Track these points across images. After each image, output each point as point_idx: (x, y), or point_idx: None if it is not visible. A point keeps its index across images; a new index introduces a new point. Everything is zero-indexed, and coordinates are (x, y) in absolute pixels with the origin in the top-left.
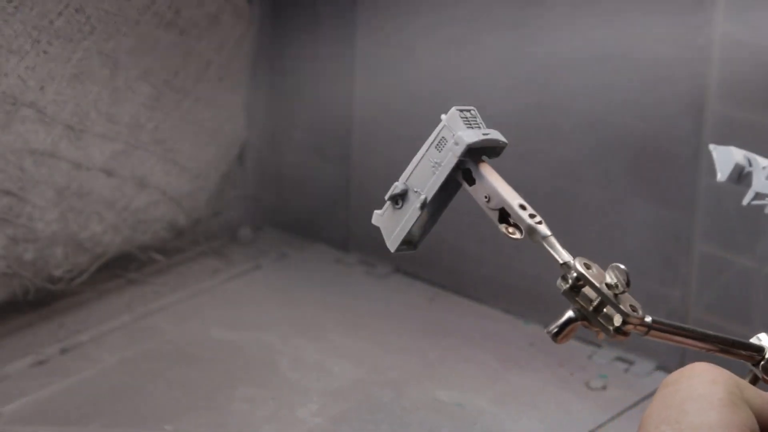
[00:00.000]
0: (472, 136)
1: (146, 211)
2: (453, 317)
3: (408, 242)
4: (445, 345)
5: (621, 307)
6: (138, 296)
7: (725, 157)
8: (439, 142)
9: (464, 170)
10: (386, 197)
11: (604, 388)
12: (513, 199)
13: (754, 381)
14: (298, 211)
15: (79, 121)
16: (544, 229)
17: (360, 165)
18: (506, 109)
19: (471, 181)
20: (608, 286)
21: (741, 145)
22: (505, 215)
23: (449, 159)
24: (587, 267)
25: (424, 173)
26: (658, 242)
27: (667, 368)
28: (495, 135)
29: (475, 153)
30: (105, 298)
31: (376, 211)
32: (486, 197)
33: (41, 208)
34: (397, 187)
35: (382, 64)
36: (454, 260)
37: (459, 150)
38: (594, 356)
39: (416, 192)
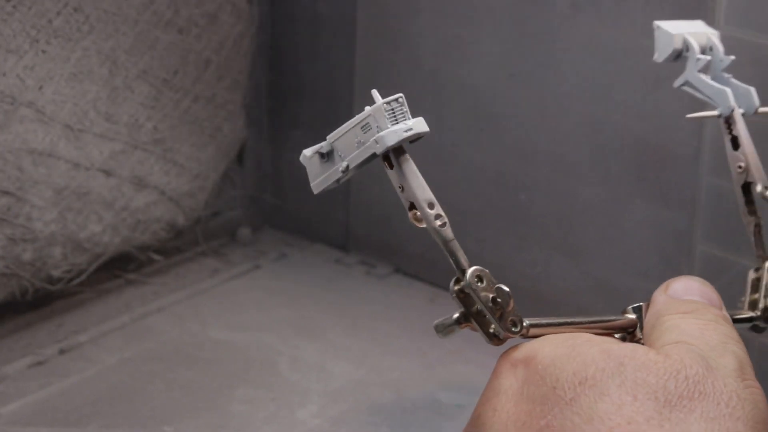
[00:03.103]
0: (393, 137)
1: (145, 211)
2: None
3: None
4: (446, 346)
5: (499, 325)
6: (137, 296)
7: (666, 40)
8: (364, 125)
9: (384, 155)
10: (311, 150)
11: None
12: (423, 196)
13: None
14: (298, 211)
15: (77, 120)
16: (446, 232)
17: None
18: (506, 109)
19: (390, 166)
20: (494, 301)
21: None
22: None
23: (370, 146)
24: (479, 279)
25: (349, 143)
26: (658, 242)
27: None
28: (418, 127)
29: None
30: (104, 298)
31: (305, 151)
32: (400, 186)
33: (40, 208)
34: (323, 147)
35: (382, 64)
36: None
37: (380, 149)
38: None
39: (340, 156)
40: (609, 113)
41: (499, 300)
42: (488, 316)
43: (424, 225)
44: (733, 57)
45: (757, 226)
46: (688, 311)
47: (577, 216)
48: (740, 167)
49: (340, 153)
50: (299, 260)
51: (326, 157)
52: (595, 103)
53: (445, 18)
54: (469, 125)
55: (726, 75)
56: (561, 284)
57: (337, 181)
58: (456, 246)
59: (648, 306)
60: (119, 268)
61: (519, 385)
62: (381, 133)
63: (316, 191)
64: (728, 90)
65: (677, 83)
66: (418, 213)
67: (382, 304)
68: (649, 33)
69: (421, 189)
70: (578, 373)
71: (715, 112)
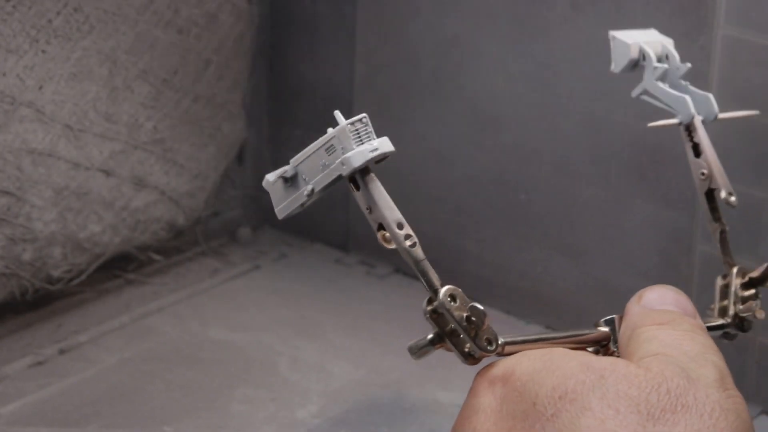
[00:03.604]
0: (359, 158)
1: (145, 211)
2: None
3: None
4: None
5: (475, 342)
6: (137, 296)
7: (622, 50)
8: (329, 147)
9: (351, 177)
10: (275, 175)
11: None
12: (391, 216)
13: None
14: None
15: (77, 120)
16: (417, 252)
17: None
18: (506, 109)
19: (357, 187)
20: (468, 320)
21: (742, 146)
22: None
23: (336, 168)
24: (452, 299)
25: (313, 166)
26: (658, 242)
27: None
28: (383, 147)
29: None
30: (104, 298)
31: (268, 176)
32: (368, 208)
33: (39, 208)
34: (287, 171)
35: (382, 64)
36: (454, 260)
37: (346, 171)
38: None
39: (305, 180)
40: (609, 113)
41: (473, 319)
42: (463, 335)
43: (393, 246)
44: (689, 65)
45: (723, 232)
46: (664, 322)
47: (577, 216)
48: (703, 174)
49: (304, 177)
50: (299, 260)
51: (290, 181)
52: (595, 103)
53: (445, 18)
54: (469, 125)
55: (683, 82)
56: (561, 284)
57: (302, 205)
58: (427, 266)
59: (621, 318)
60: (119, 268)
61: (498, 403)
62: (347, 155)
63: (280, 216)
64: (687, 97)
65: (635, 93)
66: (387, 234)
67: (382, 304)
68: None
69: (389, 209)
70: (558, 388)
71: (675, 120)
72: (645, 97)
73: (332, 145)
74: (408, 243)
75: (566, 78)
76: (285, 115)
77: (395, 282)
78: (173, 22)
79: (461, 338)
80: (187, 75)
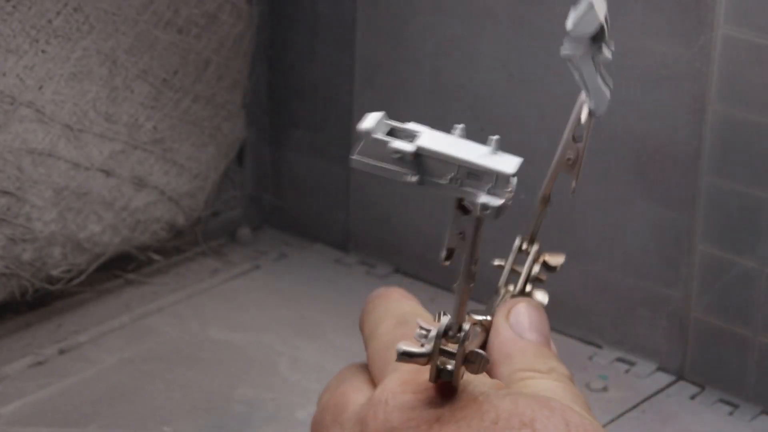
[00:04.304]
0: (499, 206)
1: (145, 211)
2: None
3: None
4: None
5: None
6: (137, 296)
7: (590, 18)
8: (473, 174)
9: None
10: (381, 131)
11: (604, 389)
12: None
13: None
14: (298, 211)
15: (77, 120)
16: (471, 287)
17: None
18: (506, 109)
19: (465, 211)
20: (467, 358)
21: (741, 145)
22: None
23: (469, 196)
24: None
25: (441, 170)
26: (658, 242)
27: (668, 369)
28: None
29: None
30: (103, 298)
31: (371, 126)
32: (461, 233)
33: (39, 208)
34: (407, 146)
35: (382, 64)
36: (454, 260)
37: (481, 212)
38: (594, 357)
39: (424, 170)
40: (609, 113)
41: (473, 362)
42: (452, 367)
43: (447, 265)
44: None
45: (545, 212)
46: (545, 372)
47: (577, 216)
48: (570, 159)
49: (426, 167)
50: (299, 260)
51: (401, 154)
52: None
53: (445, 18)
54: (469, 125)
55: (603, 69)
56: (561, 284)
57: (399, 180)
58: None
59: (489, 326)
60: (119, 268)
61: None
62: (492, 200)
63: (354, 165)
64: (608, 93)
65: (563, 53)
66: (448, 262)
67: None
68: (650, 33)
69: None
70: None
71: (586, 110)
72: (568, 63)
73: (480, 176)
74: (474, 269)
75: (566, 78)
76: (285, 115)
77: (395, 282)
78: (173, 22)
79: (447, 369)
80: (187, 75)
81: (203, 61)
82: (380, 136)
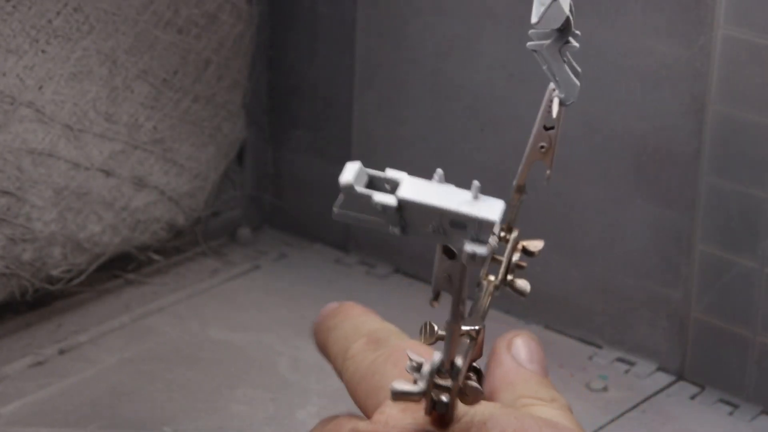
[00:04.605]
0: (487, 253)
1: (145, 211)
2: None
3: None
4: None
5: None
6: (137, 296)
7: (556, 13)
8: (457, 223)
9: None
10: (360, 183)
11: (604, 389)
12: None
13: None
14: (298, 211)
15: (77, 120)
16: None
17: None
18: (506, 109)
19: (451, 255)
20: (461, 392)
21: (741, 145)
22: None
23: (455, 243)
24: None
25: (423, 219)
26: (658, 242)
27: (668, 369)
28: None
29: None
30: (103, 298)
31: (349, 178)
32: (448, 275)
33: (39, 208)
34: (387, 196)
35: (382, 64)
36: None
37: (465, 258)
38: (594, 357)
39: (405, 220)
40: (609, 113)
41: (467, 395)
42: (447, 399)
43: (436, 306)
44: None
45: (520, 200)
46: (547, 400)
47: (577, 216)
48: (543, 147)
49: (409, 217)
50: (299, 260)
51: (382, 207)
52: (594, 103)
53: (445, 18)
54: (469, 125)
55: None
56: (561, 284)
57: (382, 230)
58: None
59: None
60: (119, 268)
61: None
62: (477, 249)
63: (336, 217)
64: (578, 83)
65: (530, 45)
66: (436, 303)
67: (382, 304)
68: (650, 33)
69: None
70: None
71: (557, 99)
72: (535, 54)
73: (464, 224)
74: (462, 309)
75: None
76: (285, 115)
77: (395, 282)
78: (173, 22)
79: (442, 401)
80: (187, 75)
81: (203, 61)
82: (362, 189)
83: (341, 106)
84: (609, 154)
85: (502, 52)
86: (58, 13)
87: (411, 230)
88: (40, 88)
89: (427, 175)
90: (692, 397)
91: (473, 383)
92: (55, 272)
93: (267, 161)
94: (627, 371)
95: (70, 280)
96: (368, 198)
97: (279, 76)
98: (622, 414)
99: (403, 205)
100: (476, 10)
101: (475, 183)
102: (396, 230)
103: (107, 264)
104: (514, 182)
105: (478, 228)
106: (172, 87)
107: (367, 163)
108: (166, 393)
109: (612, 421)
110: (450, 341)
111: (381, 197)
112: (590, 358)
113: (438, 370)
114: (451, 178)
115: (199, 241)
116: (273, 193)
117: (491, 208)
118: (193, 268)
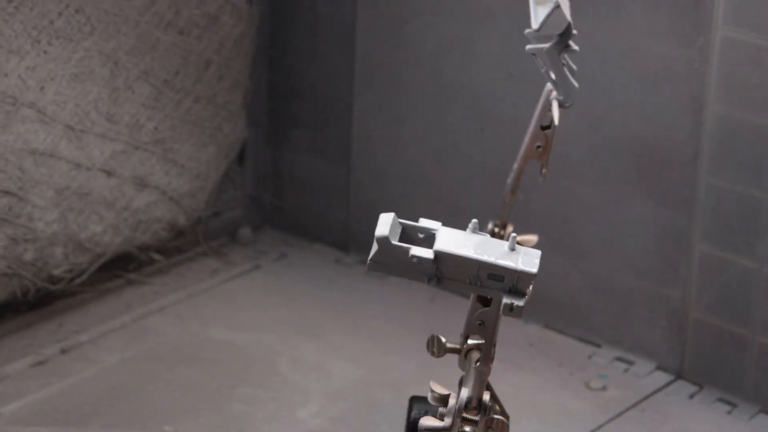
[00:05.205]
0: (522, 302)
1: (146, 211)
2: (453, 317)
3: None
4: None
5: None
6: (138, 296)
7: (558, 20)
8: (495, 276)
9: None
10: (395, 235)
11: (603, 388)
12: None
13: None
14: (298, 211)
15: (79, 121)
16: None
17: (360, 165)
18: (506, 109)
19: (485, 303)
20: (488, 424)
21: (740, 146)
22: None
23: (493, 293)
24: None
25: (461, 270)
26: (658, 242)
27: (667, 368)
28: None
29: None
30: (105, 298)
31: (385, 232)
32: (481, 322)
33: (41, 208)
34: (423, 249)
35: (382, 64)
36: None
37: (507, 315)
38: (594, 356)
39: (440, 270)
40: (608, 113)
41: (494, 429)
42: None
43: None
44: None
45: (514, 198)
46: None
47: (577, 216)
48: (539, 146)
49: (445, 268)
50: (299, 260)
51: (415, 258)
52: (594, 103)
53: (445, 18)
54: (469, 125)
55: (568, 59)
56: (560, 284)
57: (419, 280)
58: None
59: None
60: (120, 267)
61: None
62: (518, 303)
63: (370, 270)
64: (576, 85)
65: (529, 48)
66: (463, 355)
67: (382, 304)
68: (649, 34)
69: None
70: None
71: (557, 101)
72: (535, 57)
73: (502, 276)
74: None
75: None
76: (285, 115)
77: (395, 282)
78: (174, 23)
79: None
80: (188, 75)
81: (204, 61)
82: (398, 242)
83: (341, 106)
84: (609, 154)
85: (501, 53)
86: (60, 14)
87: (447, 281)
88: (42, 88)
89: (429, 175)
90: (691, 396)
91: (500, 417)
92: (56, 272)
93: (267, 161)
94: (626, 370)
95: (72, 279)
96: (405, 250)
97: (279, 77)
98: (621, 413)
99: (440, 257)
100: (475, 11)
101: (512, 234)
102: (433, 282)
103: (108, 264)
104: (509, 179)
105: (517, 280)
106: (173, 87)
107: (367, 163)
108: (166, 393)
109: (611, 419)
110: (479, 380)
111: (418, 251)
112: (589, 357)
113: (465, 406)
114: (451, 178)
115: (200, 241)
116: (273, 193)
117: (531, 261)
118: (194, 268)
